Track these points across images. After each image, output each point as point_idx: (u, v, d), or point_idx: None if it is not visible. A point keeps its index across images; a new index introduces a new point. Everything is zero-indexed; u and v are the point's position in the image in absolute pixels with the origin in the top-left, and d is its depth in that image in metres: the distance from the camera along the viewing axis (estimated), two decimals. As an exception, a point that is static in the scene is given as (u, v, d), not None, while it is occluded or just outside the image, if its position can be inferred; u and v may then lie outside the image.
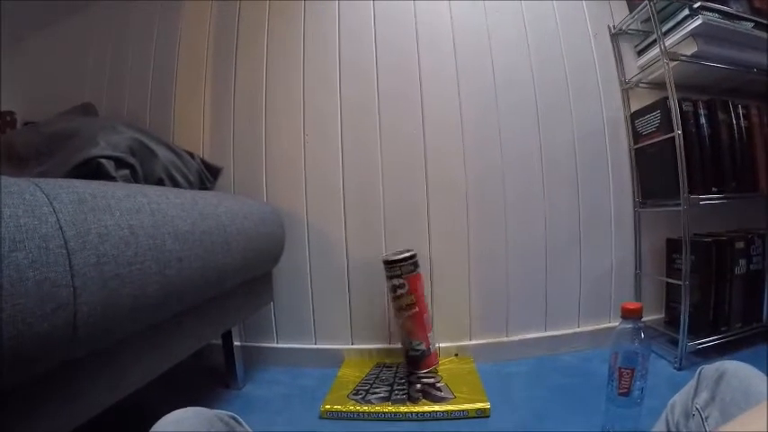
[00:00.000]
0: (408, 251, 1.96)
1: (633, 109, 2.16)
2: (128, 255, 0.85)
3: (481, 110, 2.11)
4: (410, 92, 2.12)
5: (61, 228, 0.72)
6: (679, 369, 1.80)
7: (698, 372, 0.75)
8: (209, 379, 1.96)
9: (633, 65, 2.20)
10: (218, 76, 2.24)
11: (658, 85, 2.08)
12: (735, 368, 0.70)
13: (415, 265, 1.95)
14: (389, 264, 1.95)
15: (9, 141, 1.51)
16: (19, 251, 0.64)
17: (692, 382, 0.75)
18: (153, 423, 0.60)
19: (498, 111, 2.11)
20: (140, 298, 0.91)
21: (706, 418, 0.68)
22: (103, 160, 1.29)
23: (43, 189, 0.73)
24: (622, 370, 1.28)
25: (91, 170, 1.27)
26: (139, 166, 1.44)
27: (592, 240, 2.15)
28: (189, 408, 0.64)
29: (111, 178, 1.30)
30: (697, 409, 0.70)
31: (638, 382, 1.27)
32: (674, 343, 1.87)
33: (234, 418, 0.67)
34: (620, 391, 1.29)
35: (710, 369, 0.73)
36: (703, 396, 0.70)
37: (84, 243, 0.75)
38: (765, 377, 0.67)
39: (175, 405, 0.64)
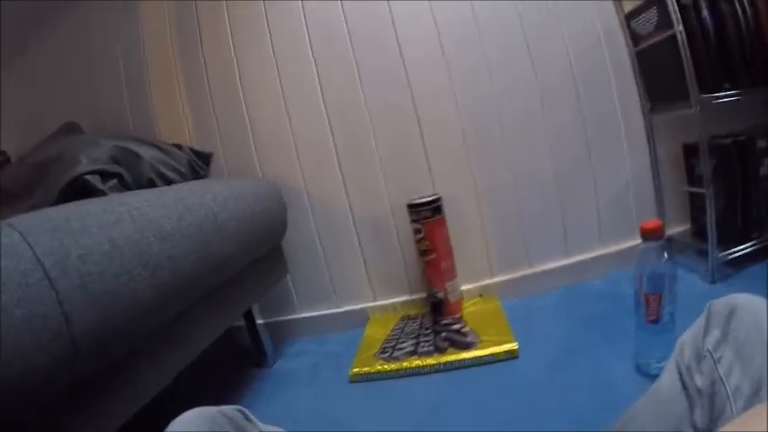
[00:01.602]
0: (430, 196, 1.94)
1: (627, 9, 1.99)
2: (113, 268, 0.86)
3: (463, 40, 2.03)
4: (385, 36, 2.05)
5: (39, 260, 0.72)
6: (712, 282, 1.73)
7: (707, 308, 0.71)
8: (240, 361, 1.99)
9: None
10: (188, 64, 2.20)
11: None
12: (746, 302, 0.66)
13: (435, 210, 1.93)
14: (409, 208, 1.95)
15: (3, 180, 1.51)
16: (2, 293, 0.64)
17: (701, 320, 0.70)
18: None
19: (481, 37, 2.02)
20: (135, 306, 0.91)
21: (718, 359, 0.63)
22: (88, 176, 1.30)
23: (15, 227, 0.73)
24: (649, 296, 1.24)
25: (78, 189, 1.27)
26: (126, 173, 1.44)
27: (603, 156, 2.07)
28: (193, 409, 0.64)
29: (100, 192, 1.31)
30: (708, 350, 0.66)
31: (666, 308, 1.23)
32: (705, 255, 1.77)
33: (240, 411, 0.68)
34: (650, 318, 1.25)
35: (720, 304, 0.68)
36: (714, 335, 0.66)
37: (65, 269, 0.75)
38: None
39: (208, 392, 0.66)
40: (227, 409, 0.66)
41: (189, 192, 1.29)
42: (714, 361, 0.64)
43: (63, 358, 0.73)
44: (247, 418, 0.68)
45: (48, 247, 0.75)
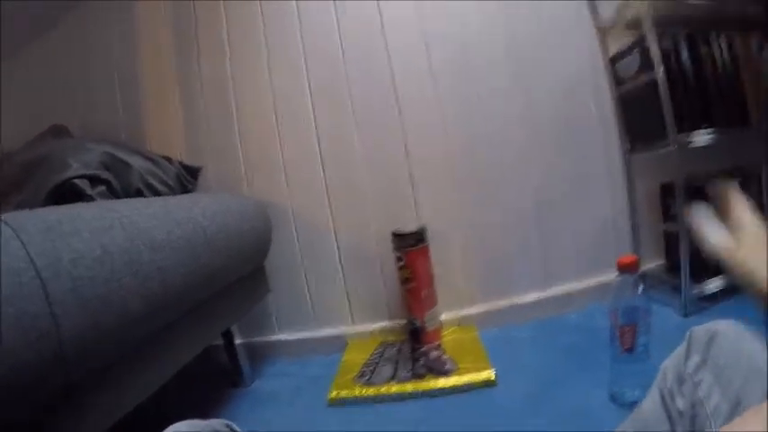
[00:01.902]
0: (414, 227, 1.96)
1: (612, 52, 2.08)
2: (104, 274, 0.86)
3: (454, 74, 2.08)
4: (380, 67, 2.10)
5: (32, 259, 0.72)
6: (685, 316, 1.78)
7: (688, 334, 0.75)
8: (216, 380, 1.97)
9: (607, 6, 2.07)
10: (183, 77, 2.22)
11: (635, 24, 1.93)
12: (725, 328, 0.70)
13: (418, 239, 1.94)
14: (393, 236, 1.96)
15: (-12, 177, 1.51)
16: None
17: (683, 346, 0.74)
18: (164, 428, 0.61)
19: (472, 71, 2.07)
20: (125, 314, 0.91)
21: (698, 382, 0.67)
22: (77, 180, 1.30)
23: (10, 223, 0.73)
24: (624, 327, 1.28)
25: (66, 192, 1.27)
26: (115, 180, 1.44)
27: (584, 193, 2.12)
28: (183, 422, 0.63)
29: (88, 197, 1.30)
30: (689, 374, 0.69)
31: (641, 338, 1.27)
32: (678, 290, 1.82)
33: (229, 426, 0.67)
34: (624, 348, 1.29)
35: (700, 331, 0.72)
36: (695, 359, 0.70)
37: (57, 270, 0.75)
38: (756, 337, 0.66)
39: (184, 410, 0.65)
40: (215, 422, 0.66)
41: (178, 205, 1.30)
42: (694, 384, 0.67)
43: (51, 358, 0.73)
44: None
45: (40, 248, 0.75)
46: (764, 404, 0.36)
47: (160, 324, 1.12)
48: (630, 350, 1.28)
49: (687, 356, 0.72)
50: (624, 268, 1.29)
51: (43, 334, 0.71)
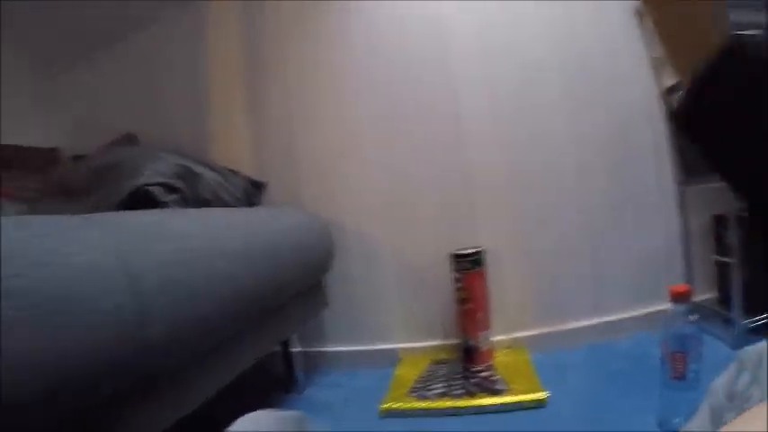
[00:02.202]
0: (473, 248, 1.98)
1: (667, 84, 2.05)
2: (184, 277, 0.91)
3: (514, 101, 2.10)
4: (443, 97, 2.13)
5: (125, 259, 0.77)
6: (735, 348, 1.71)
7: (738, 354, 0.76)
8: (271, 386, 2.02)
9: None
10: (251, 92, 2.29)
11: None
12: None
13: (475, 263, 1.97)
14: (452, 257, 1.99)
15: (63, 178, 1.58)
16: (87, 284, 0.69)
17: (734, 365, 0.74)
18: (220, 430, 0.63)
19: (531, 101, 2.09)
20: (200, 317, 0.96)
21: (748, 399, 0.68)
22: (153, 187, 1.35)
23: (102, 224, 0.79)
24: (675, 354, 1.28)
25: (141, 198, 1.33)
26: (187, 189, 1.50)
27: (637, 222, 2.11)
28: (263, 410, 0.65)
29: (161, 204, 1.36)
30: (739, 391, 0.68)
31: (692, 365, 1.26)
32: (729, 322, 1.81)
33: (305, 418, 0.69)
34: (675, 375, 1.28)
35: (750, 351, 0.73)
36: (745, 377, 0.68)
37: (144, 270, 0.80)
38: None
39: (238, 413, 0.68)
40: (293, 412, 0.68)
41: (254, 217, 1.36)
42: (743, 400, 0.67)
43: (137, 352, 0.78)
44: (312, 423, 0.70)
45: (130, 247, 0.80)
46: (764, 404, 0.36)
47: (229, 329, 1.17)
48: (681, 378, 1.28)
49: (738, 375, 0.73)
50: (677, 297, 1.29)
51: (132, 328, 0.76)
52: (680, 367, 1.27)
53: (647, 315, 2.06)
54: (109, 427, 0.82)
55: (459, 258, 1.97)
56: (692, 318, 1.28)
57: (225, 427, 0.64)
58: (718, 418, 0.74)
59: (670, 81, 2.02)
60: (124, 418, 0.86)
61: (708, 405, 0.78)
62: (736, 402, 0.70)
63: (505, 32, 2.11)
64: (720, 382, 0.77)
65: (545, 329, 2.12)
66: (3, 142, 2.16)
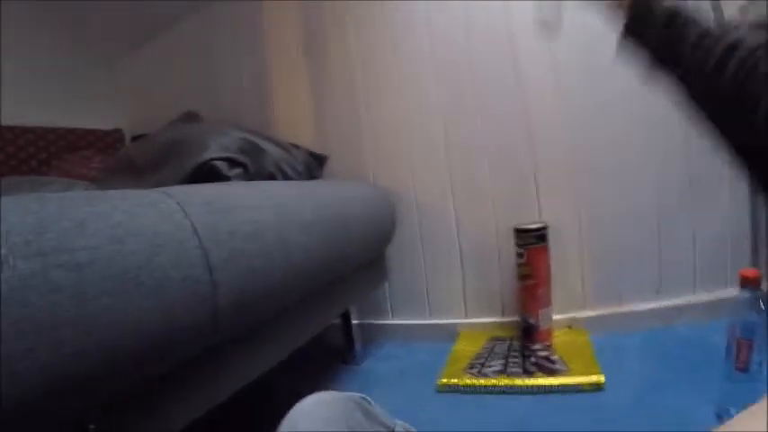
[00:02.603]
0: (538, 223, 1.98)
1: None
2: (255, 248, 0.93)
3: (585, 74, 2.04)
4: (506, 68, 2.09)
5: (195, 230, 0.79)
6: None
7: None
8: (329, 356, 2.06)
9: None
10: (312, 65, 2.31)
11: None
12: None
13: (539, 238, 1.95)
14: (515, 232, 1.98)
15: (128, 155, 1.63)
16: (160, 255, 0.71)
17: None
18: (282, 400, 0.65)
19: (603, 73, 1.99)
20: (270, 287, 0.99)
21: None
22: (217, 162, 1.38)
23: (174, 197, 0.81)
24: (741, 342, 1.23)
25: (206, 172, 1.35)
26: (251, 164, 1.52)
27: (706, 203, 2.02)
28: (323, 392, 0.66)
29: (225, 178, 1.39)
30: None
31: (756, 356, 1.22)
32: None
33: (365, 399, 0.70)
34: (739, 365, 1.24)
35: None
36: None
37: (216, 241, 0.83)
38: None
39: (301, 382, 0.69)
40: (354, 394, 0.69)
41: (321, 189, 1.38)
42: None
43: (207, 320, 0.80)
44: (372, 406, 0.70)
45: (202, 219, 0.82)
46: (763, 403, 0.36)
47: (297, 298, 1.20)
48: (744, 368, 1.23)
49: None
50: (747, 282, 1.24)
51: (203, 297, 0.78)
52: (744, 357, 1.22)
53: (710, 301, 2.00)
54: (176, 395, 0.85)
55: (522, 233, 1.95)
56: (761, 305, 1.22)
57: (284, 397, 0.67)
58: None
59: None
60: (190, 386, 0.89)
61: None
62: None
63: (571, 5, 2.06)
64: None
65: (605, 310, 2.09)
66: (69, 126, 2.24)
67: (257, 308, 0.97)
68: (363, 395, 0.71)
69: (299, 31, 2.32)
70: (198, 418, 0.90)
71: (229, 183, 1.09)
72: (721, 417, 1.30)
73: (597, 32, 2.00)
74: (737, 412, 0.97)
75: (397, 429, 0.70)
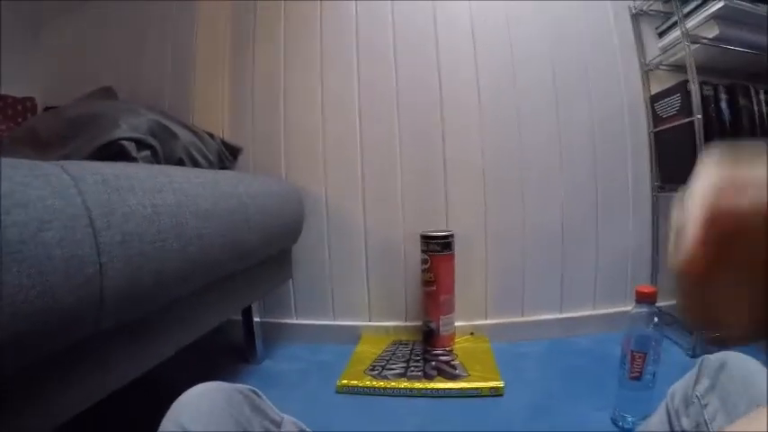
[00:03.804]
0: (444, 231, 2.00)
1: (653, 91, 2.11)
2: (151, 233, 0.89)
3: (499, 90, 2.11)
4: (427, 72, 2.13)
5: (87, 208, 0.75)
6: (693, 356, 1.79)
7: (699, 361, 0.78)
8: (228, 354, 2.01)
9: (654, 46, 2.14)
10: (237, 58, 2.26)
11: (679, 67, 2.01)
12: (736, 359, 0.73)
13: (445, 246, 1.97)
14: (422, 238, 1.99)
15: (32, 126, 1.53)
16: (47, 231, 0.66)
17: (694, 371, 0.77)
18: (173, 396, 0.62)
19: (516, 90, 2.11)
20: (163, 273, 0.94)
21: (705, 405, 0.70)
22: (125, 142, 1.32)
23: (69, 171, 0.76)
24: (635, 353, 1.30)
25: (113, 152, 1.29)
26: (160, 147, 1.46)
27: (609, 223, 2.14)
28: (210, 382, 0.65)
29: (132, 159, 1.33)
30: (697, 396, 0.72)
31: (649, 367, 1.29)
32: (689, 330, 1.85)
33: (254, 391, 0.68)
34: (632, 375, 1.31)
35: (712, 359, 0.76)
36: (704, 384, 0.73)
37: (109, 222, 0.78)
38: (766, 370, 0.68)
39: (195, 378, 0.66)
40: (242, 387, 0.67)
41: (225, 179, 1.33)
42: (701, 406, 0.70)
43: (90, 304, 0.75)
44: (260, 398, 0.69)
45: (96, 198, 0.77)
46: (764, 407, 0.36)
47: (192, 289, 1.15)
48: (638, 378, 1.30)
49: (697, 380, 0.75)
50: (643, 297, 1.32)
51: (88, 279, 0.73)
52: (638, 367, 1.30)
53: (609, 315, 2.11)
54: (57, 385, 0.80)
55: (428, 240, 1.97)
56: (655, 320, 1.29)
57: (178, 391, 0.63)
58: (674, 421, 0.76)
59: (656, 87, 2.07)
60: (74, 376, 0.83)
61: (665, 407, 0.80)
62: (693, 408, 0.72)
63: (496, 22, 2.12)
64: (678, 387, 0.79)
65: (508, 319, 2.15)
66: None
67: (148, 296, 0.92)
68: (252, 387, 0.69)
69: (229, 23, 2.28)
70: (82, 410, 0.85)
71: (131, 164, 1.03)
72: (616, 422, 1.36)
73: (521, 52, 2.10)
74: (633, 419, 1.04)
75: (284, 424, 0.68)
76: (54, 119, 1.54)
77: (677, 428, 0.74)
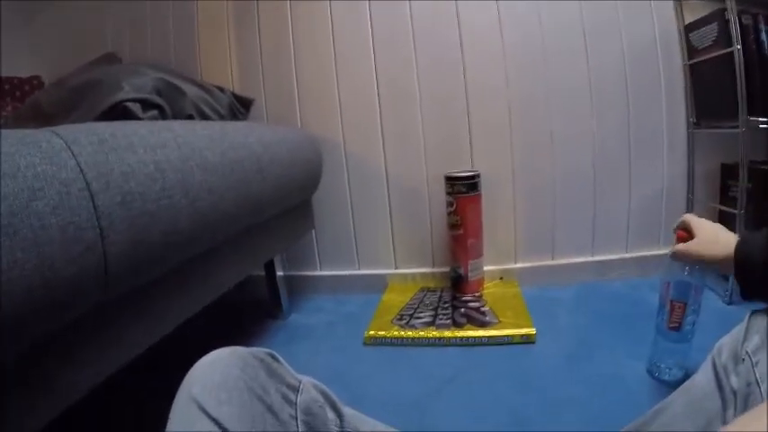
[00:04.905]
0: (469, 171, 1.94)
1: (687, 21, 1.96)
2: (155, 190, 0.84)
3: (523, 30, 2.01)
4: (446, 14, 2.02)
5: (82, 171, 0.70)
6: (729, 303, 1.72)
7: (748, 315, 0.74)
8: (254, 310, 2.00)
9: None
10: (240, 8, 2.17)
11: None
12: None
13: (471, 186, 1.91)
14: (446, 180, 1.94)
15: (35, 101, 1.50)
16: (39, 200, 0.62)
17: (742, 325, 0.74)
18: (199, 357, 0.61)
19: (542, 30, 1.99)
20: (172, 233, 0.90)
21: (756, 362, 0.66)
22: (129, 104, 1.27)
23: (61, 135, 0.71)
24: (674, 303, 1.23)
25: (118, 115, 1.25)
26: (167, 106, 1.42)
27: (642, 162, 2.04)
28: (225, 348, 0.62)
29: (138, 120, 1.29)
30: (747, 353, 0.69)
31: (689, 317, 1.22)
32: (725, 276, 1.75)
33: (270, 355, 0.66)
34: (671, 325, 1.24)
35: (763, 314, 0.72)
36: (754, 340, 0.69)
37: (107, 183, 0.74)
38: None
39: (221, 338, 0.64)
40: (258, 351, 0.65)
41: (234, 129, 1.29)
42: (753, 364, 0.67)
43: (94, 273, 0.71)
44: (277, 362, 0.66)
45: (92, 160, 0.73)
46: (764, 404, 0.35)
47: (205, 247, 1.12)
48: (677, 328, 1.23)
49: (746, 336, 0.71)
50: (681, 240, 1.16)
51: (89, 247, 0.69)
52: (677, 317, 1.23)
53: (643, 258, 2.05)
54: (67, 359, 0.76)
55: (453, 181, 1.92)
56: (697, 266, 1.19)
57: (206, 351, 0.61)
58: (722, 378, 0.71)
59: (690, 18, 1.93)
60: (85, 348, 0.80)
61: (711, 363, 0.76)
62: (743, 366, 0.68)
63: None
64: (726, 342, 0.75)
65: (539, 263, 2.11)
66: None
67: (157, 257, 0.88)
68: (269, 350, 0.66)
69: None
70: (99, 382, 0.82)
71: (131, 122, 0.99)
72: (653, 373, 1.30)
73: None
74: (671, 370, 1.01)
75: (303, 387, 0.64)
76: (56, 90, 1.51)
77: (726, 388, 0.70)
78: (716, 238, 1.02)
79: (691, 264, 1.16)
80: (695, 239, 1.06)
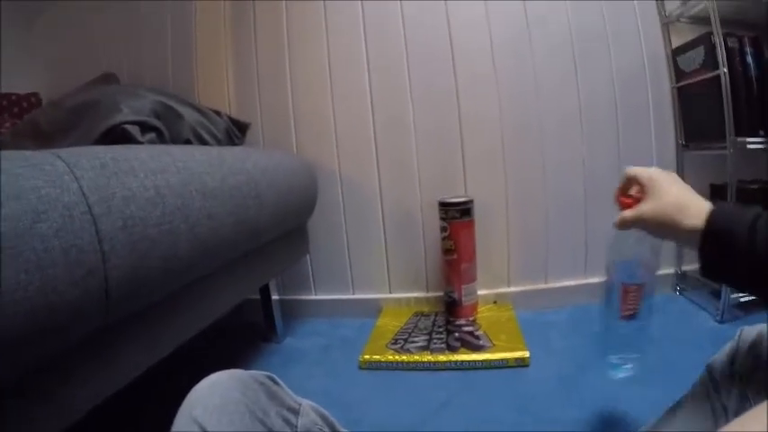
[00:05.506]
0: (462, 197, 1.95)
1: (674, 45, 2.01)
2: (155, 215, 0.85)
3: (515, 55, 2.04)
4: (439, 35, 2.06)
5: (84, 194, 0.71)
6: (720, 322, 1.74)
7: (738, 333, 0.75)
8: (248, 334, 2.00)
9: None
10: (238, 32, 2.20)
11: (701, 19, 1.90)
12: None
13: (464, 212, 1.93)
14: (440, 206, 1.95)
15: (33, 120, 1.50)
16: (42, 222, 0.63)
17: (733, 343, 0.75)
18: (193, 382, 0.60)
19: (533, 54, 2.03)
20: (171, 258, 0.91)
21: (749, 380, 0.67)
22: (128, 126, 1.28)
23: (63, 158, 0.72)
24: (627, 286, 0.98)
25: (116, 137, 1.26)
26: (165, 129, 1.43)
27: None
28: (224, 371, 0.63)
29: (137, 143, 1.29)
30: (738, 370, 0.70)
31: (645, 300, 0.98)
32: (716, 295, 1.80)
33: (270, 378, 0.66)
34: (625, 313, 0.99)
35: (752, 331, 0.73)
36: (747, 358, 0.70)
37: (109, 207, 0.75)
38: None
39: (216, 362, 0.64)
40: (258, 373, 0.65)
41: (232, 155, 1.30)
42: (746, 381, 0.68)
43: (94, 298, 0.72)
44: (277, 385, 0.66)
45: (93, 183, 0.74)
46: (764, 405, 0.35)
47: (204, 271, 1.13)
48: (632, 316, 0.98)
49: (736, 354, 0.72)
50: (627, 207, 0.86)
51: (90, 270, 0.70)
52: (632, 303, 0.98)
53: None
54: (68, 380, 0.77)
55: (447, 207, 1.93)
56: (645, 237, 0.88)
57: (201, 377, 0.61)
58: (715, 398, 0.72)
59: (678, 41, 1.98)
60: (85, 370, 0.80)
61: (701, 384, 0.77)
62: (736, 384, 0.69)
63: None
64: (717, 360, 0.76)
65: (532, 286, 2.12)
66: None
67: (157, 281, 0.89)
68: (268, 373, 0.66)
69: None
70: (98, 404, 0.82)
71: (131, 146, 0.99)
72: (611, 370, 1.13)
73: (536, 14, 2.02)
74: (623, 365, 0.96)
75: (303, 410, 0.65)
76: (55, 110, 1.51)
77: (717, 407, 0.72)
78: (685, 202, 0.73)
79: (645, 233, 0.84)
80: (650, 201, 0.78)
